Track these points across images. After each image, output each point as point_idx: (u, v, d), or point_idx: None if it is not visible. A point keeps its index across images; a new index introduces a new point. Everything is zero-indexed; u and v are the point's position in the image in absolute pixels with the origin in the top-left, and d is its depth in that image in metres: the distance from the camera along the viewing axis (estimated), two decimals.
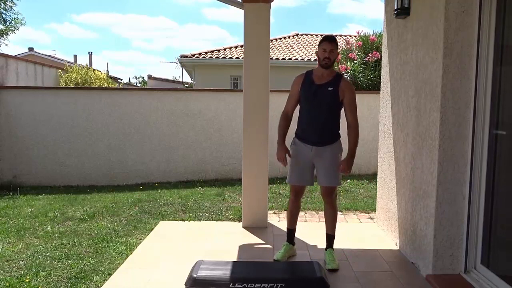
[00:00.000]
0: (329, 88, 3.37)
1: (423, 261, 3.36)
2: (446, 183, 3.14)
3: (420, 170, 3.44)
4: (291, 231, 3.73)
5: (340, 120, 3.52)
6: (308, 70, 3.56)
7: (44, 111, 7.83)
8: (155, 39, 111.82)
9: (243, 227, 4.59)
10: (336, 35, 19.18)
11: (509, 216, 2.92)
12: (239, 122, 7.68)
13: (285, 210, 5.38)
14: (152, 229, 4.58)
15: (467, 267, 3.15)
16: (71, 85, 13.49)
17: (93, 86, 13.77)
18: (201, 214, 5.24)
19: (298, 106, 3.57)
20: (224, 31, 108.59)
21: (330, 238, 3.64)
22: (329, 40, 3.39)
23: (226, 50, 16.80)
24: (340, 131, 3.55)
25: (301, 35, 19.25)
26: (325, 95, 3.38)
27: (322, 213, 5.21)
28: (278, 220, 4.89)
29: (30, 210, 5.68)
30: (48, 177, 7.84)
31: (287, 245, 3.70)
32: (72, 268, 3.56)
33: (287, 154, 3.46)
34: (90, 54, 30.23)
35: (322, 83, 3.40)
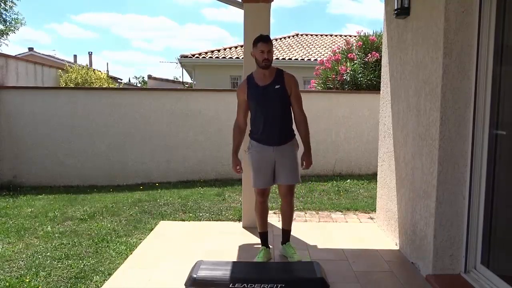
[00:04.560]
0: (276, 87, 3.38)
1: (423, 261, 3.36)
2: (446, 183, 3.14)
3: (420, 170, 3.44)
4: (265, 234, 3.70)
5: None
6: (248, 75, 3.53)
7: (44, 111, 7.82)
8: (155, 39, 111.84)
9: (243, 227, 4.59)
10: (336, 35, 19.22)
11: (509, 216, 2.92)
12: None
13: None
14: (152, 229, 4.58)
15: (467, 267, 3.15)
16: (71, 85, 13.49)
17: (93, 86, 13.76)
18: (201, 214, 5.24)
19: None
20: (224, 31, 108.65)
21: (287, 232, 3.70)
22: (265, 41, 3.33)
23: (226, 50, 16.81)
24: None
25: (301, 35, 19.25)
26: (274, 95, 3.38)
27: (322, 213, 5.24)
28: (278, 220, 4.89)
29: (30, 210, 5.68)
30: (48, 177, 7.84)
31: (264, 250, 3.65)
32: (72, 268, 3.56)
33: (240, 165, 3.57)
34: (90, 54, 30.27)
35: (266, 83, 3.39)
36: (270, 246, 3.79)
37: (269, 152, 3.44)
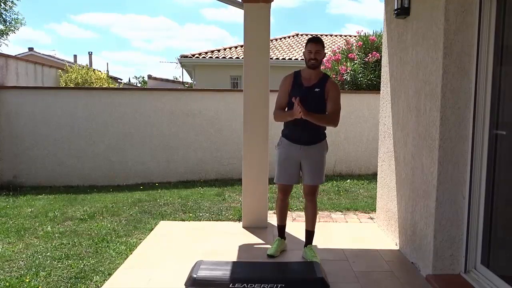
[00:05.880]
0: (316, 89, 3.45)
1: (423, 261, 3.36)
2: (446, 183, 3.14)
3: (420, 170, 3.44)
4: (282, 227, 3.84)
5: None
6: (296, 71, 3.61)
7: (44, 111, 7.82)
8: (155, 39, 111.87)
9: (243, 227, 4.59)
10: (336, 35, 19.21)
11: (509, 216, 2.93)
12: (239, 122, 7.67)
13: None
14: (152, 229, 4.58)
15: (467, 267, 3.15)
16: (71, 85, 13.49)
17: (93, 86, 13.76)
18: (201, 214, 5.24)
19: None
20: (224, 31, 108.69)
21: (311, 234, 3.71)
22: (314, 42, 3.48)
23: (226, 50, 16.81)
24: (326, 131, 3.63)
25: (301, 35, 19.24)
26: (313, 97, 3.45)
27: (321, 213, 5.24)
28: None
29: (30, 210, 5.68)
30: (48, 177, 7.84)
31: (279, 240, 3.81)
32: (72, 268, 3.56)
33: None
34: (90, 54, 30.20)
35: (310, 85, 3.47)
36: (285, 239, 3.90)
37: (296, 151, 3.52)
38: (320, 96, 3.44)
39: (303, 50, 3.60)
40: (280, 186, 3.68)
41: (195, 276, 2.98)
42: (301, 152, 3.51)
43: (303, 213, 5.21)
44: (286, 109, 3.58)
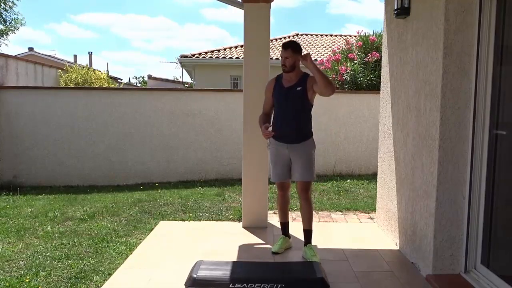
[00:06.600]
0: (298, 88, 3.55)
1: (423, 261, 3.36)
2: (446, 183, 3.14)
3: (420, 170, 3.44)
4: (284, 224, 3.92)
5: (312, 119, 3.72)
6: (279, 74, 3.73)
7: (44, 111, 7.82)
8: (155, 39, 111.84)
9: (243, 227, 4.59)
10: (336, 35, 19.22)
11: (509, 216, 2.92)
12: (239, 122, 7.67)
13: None
14: (152, 229, 4.58)
15: (467, 267, 3.15)
16: (71, 85, 13.49)
17: (93, 86, 13.76)
18: (201, 214, 5.24)
19: None
20: (224, 31, 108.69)
21: (308, 233, 3.73)
22: (283, 48, 3.58)
23: (226, 50, 16.81)
24: (312, 129, 3.72)
25: (301, 35, 19.24)
26: (294, 96, 3.56)
27: (321, 213, 5.24)
28: (278, 220, 4.89)
29: (30, 210, 5.68)
30: (48, 177, 7.84)
31: (283, 238, 3.88)
32: (72, 268, 3.56)
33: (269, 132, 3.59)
34: (90, 54, 30.22)
35: (291, 85, 3.59)
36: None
37: (284, 149, 3.63)
38: (301, 95, 3.54)
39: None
40: (277, 183, 3.81)
41: (195, 276, 2.98)
42: (289, 150, 3.61)
43: None
44: (273, 111, 3.75)
